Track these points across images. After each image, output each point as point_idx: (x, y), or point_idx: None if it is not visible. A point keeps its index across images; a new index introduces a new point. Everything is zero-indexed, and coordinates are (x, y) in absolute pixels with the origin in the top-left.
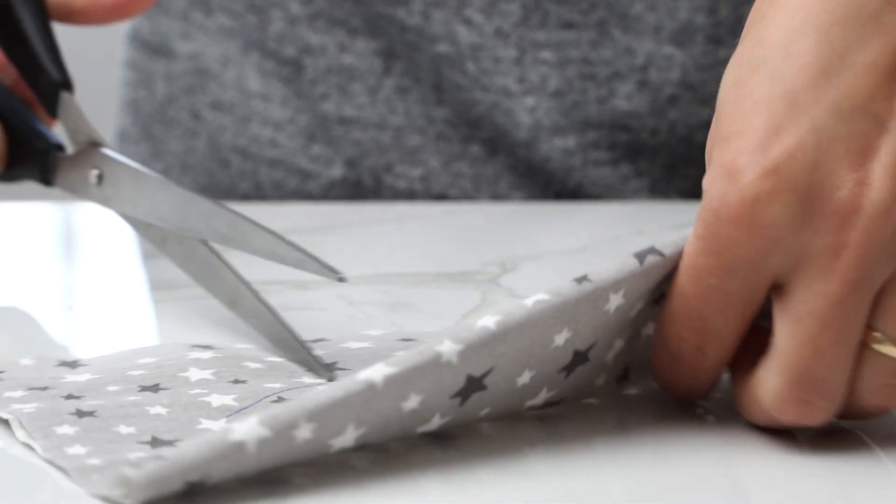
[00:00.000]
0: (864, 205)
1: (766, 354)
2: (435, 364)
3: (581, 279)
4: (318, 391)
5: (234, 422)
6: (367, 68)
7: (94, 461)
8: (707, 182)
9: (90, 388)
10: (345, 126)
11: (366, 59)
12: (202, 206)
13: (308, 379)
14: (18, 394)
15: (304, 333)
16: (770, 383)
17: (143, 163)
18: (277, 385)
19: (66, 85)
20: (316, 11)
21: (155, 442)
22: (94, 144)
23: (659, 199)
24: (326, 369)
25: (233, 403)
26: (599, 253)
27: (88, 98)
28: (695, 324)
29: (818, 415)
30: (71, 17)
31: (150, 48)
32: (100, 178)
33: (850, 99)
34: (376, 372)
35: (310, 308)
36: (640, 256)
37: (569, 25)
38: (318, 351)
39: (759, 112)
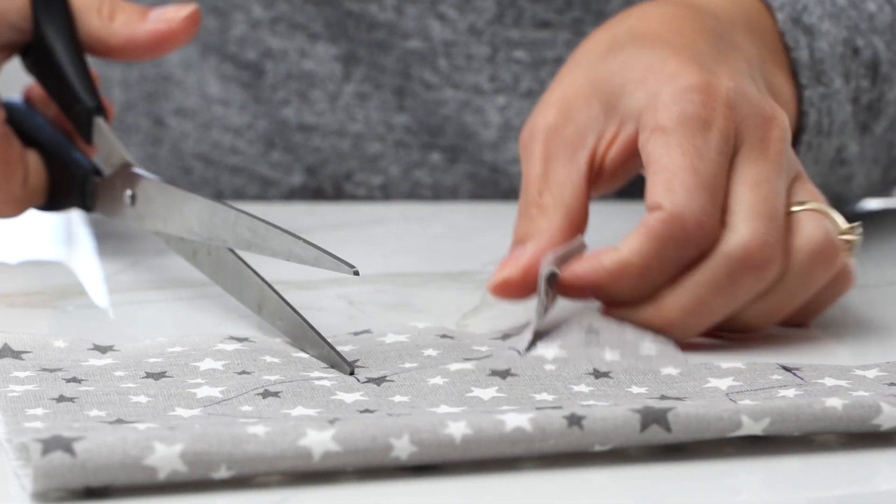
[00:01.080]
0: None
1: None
2: (383, 455)
3: (572, 420)
4: (256, 439)
5: (159, 442)
6: (327, 74)
7: (38, 424)
8: (653, 88)
9: (98, 372)
10: (305, 133)
11: (326, 64)
12: (225, 215)
13: (317, 373)
14: (25, 374)
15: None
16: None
17: None
18: (274, 377)
19: (100, 111)
20: (277, 15)
21: (118, 422)
22: (125, 166)
23: (625, 200)
24: (349, 365)
25: (217, 395)
26: None
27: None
28: (708, 196)
29: None
30: (108, 53)
31: None
32: (133, 198)
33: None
34: (319, 443)
35: (310, 308)
36: (644, 422)
37: (544, 24)
38: (351, 346)
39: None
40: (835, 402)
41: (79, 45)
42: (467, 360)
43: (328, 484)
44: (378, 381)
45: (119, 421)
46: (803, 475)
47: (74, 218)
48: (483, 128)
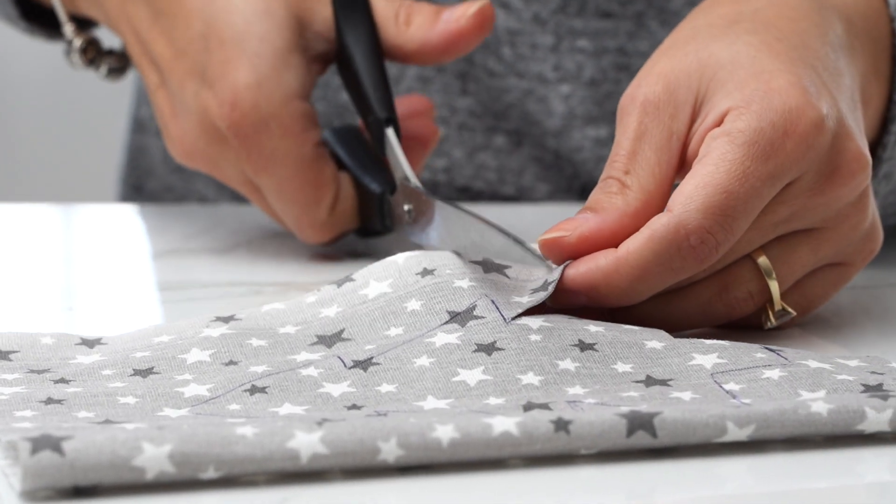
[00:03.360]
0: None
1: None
2: (371, 458)
3: (559, 424)
4: (244, 440)
5: (147, 442)
6: None
7: (26, 424)
8: (749, 96)
9: (85, 372)
10: None
11: None
12: (464, 222)
13: (303, 354)
14: (13, 376)
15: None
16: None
17: (162, 155)
18: (261, 369)
19: (390, 122)
20: None
21: (106, 423)
22: (404, 180)
23: None
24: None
25: (205, 394)
26: None
27: (104, 86)
28: (727, 220)
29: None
30: (405, 58)
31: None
32: (410, 213)
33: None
34: (307, 445)
35: None
36: (630, 428)
37: (606, 15)
38: (336, 307)
39: (806, 61)
40: (820, 408)
41: (380, 55)
42: (452, 316)
43: (328, 484)
44: (364, 364)
45: (107, 421)
46: (788, 467)
47: (74, 218)
48: (547, 116)
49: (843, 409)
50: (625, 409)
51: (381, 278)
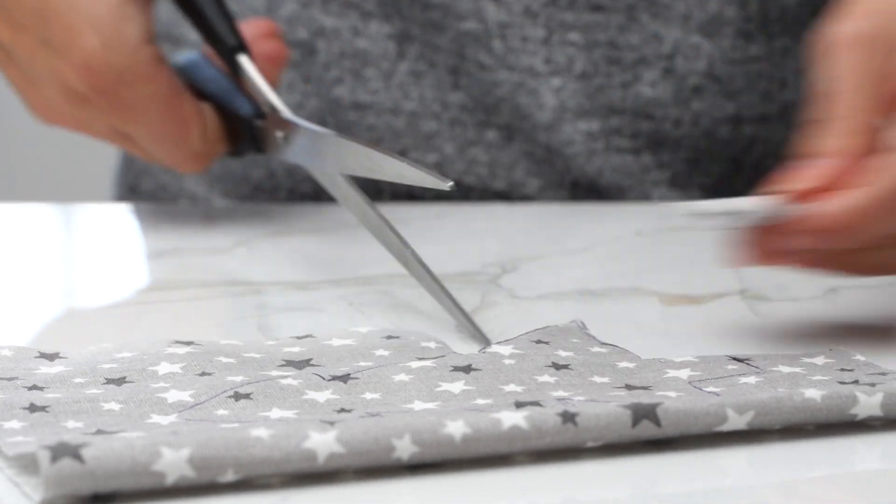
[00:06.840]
0: None
1: None
2: (386, 455)
3: (566, 417)
4: (261, 442)
5: (166, 447)
6: (380, 52)
7: (28, 438)
8: None
9: (56, 379)
10: (358, 111)
11: (380, 43)
12: (350, 148)
13: (276, 371)
14: None
15: (302, 333)
16: None
17: None
18: (239, 378)
19: (241, 49)
20: None
21: (99, 433)
22: (273, 110)
23: (678, 193)
24: (485, 338)
25: (188, 399)
26: (599, 254)
27: None
28: None
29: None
30: None
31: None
32: (285, 138)
33: None
34: (323, 445)
35: (310, 308)
36: (635, 418)
37: (597, 8)
38: (298, 348)
39: None
40: (814, 394)
41: None
42: (423, 360)
43: (327, 484)
44: (343, 378)
45: (100, 431)
46: (786, 458)
47: (74, 218)
48: (538, 109)
49: (836, 394)
50: (627, 401)
51: (343, 337)
